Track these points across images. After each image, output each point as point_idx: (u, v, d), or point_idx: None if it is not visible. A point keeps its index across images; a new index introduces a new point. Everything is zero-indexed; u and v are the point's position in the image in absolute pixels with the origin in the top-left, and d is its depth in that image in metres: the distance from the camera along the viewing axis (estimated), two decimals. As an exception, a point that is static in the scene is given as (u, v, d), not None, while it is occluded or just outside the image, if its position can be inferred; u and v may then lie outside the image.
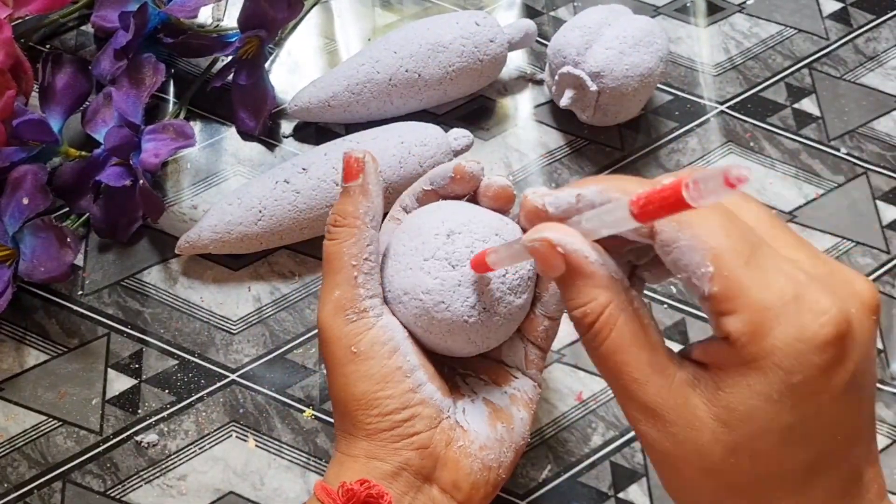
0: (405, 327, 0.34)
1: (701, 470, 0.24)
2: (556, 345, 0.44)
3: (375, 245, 0.34)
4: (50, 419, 0.42)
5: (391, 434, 0.32)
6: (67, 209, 0.47)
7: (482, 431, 0.34)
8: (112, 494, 0.40)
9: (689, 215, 0.23)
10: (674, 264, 0.24)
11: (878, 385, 0.44)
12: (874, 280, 0.47)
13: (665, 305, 0.46)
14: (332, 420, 0.42)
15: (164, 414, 0.42)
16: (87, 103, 0.47)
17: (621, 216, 0.23)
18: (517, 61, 0.52)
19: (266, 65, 0.51)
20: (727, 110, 0.52)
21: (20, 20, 0.49)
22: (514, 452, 0.34)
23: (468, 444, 0.33)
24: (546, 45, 0.51)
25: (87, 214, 0.46)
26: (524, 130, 0.50)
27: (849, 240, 0.48)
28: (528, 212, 0.28)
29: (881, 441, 0.43)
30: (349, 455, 0.33)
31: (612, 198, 0.25)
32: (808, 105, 0.52)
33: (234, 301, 0.45)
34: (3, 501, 0.40)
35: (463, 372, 0.37)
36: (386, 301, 0.34)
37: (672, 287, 0.46)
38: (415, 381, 0.33)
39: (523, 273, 0.34)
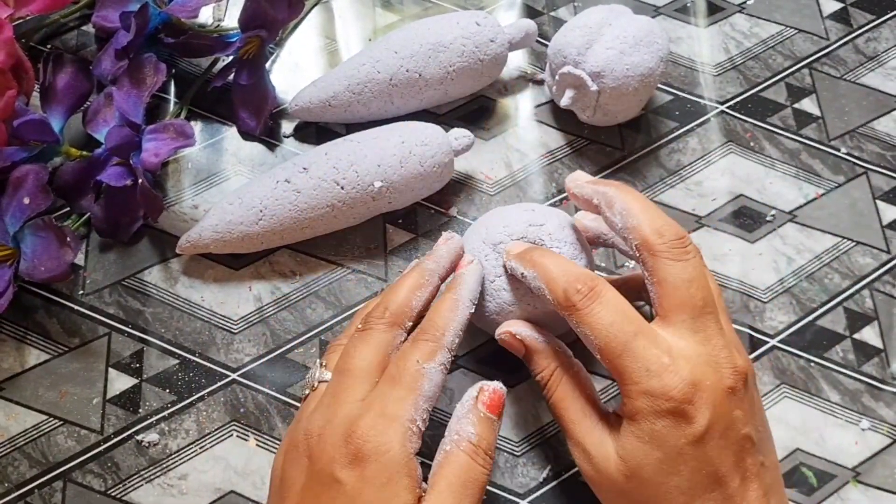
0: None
1: (613, 492, 0.34)
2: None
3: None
4: (51, 418, 0.42)
5: None
6: (68, 209, 0.47)
7: None
8: (113, 494, 0.40)
9: (583, 313, 0.33)
10: (585, 343, 0.34)
11: (878, 385, 0.44)
12: (875, 280, 0.47)
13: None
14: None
15: (165, 413, 0.42)
16: (88, 103, 0.47)
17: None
18: (517, 61, 0.52)
19: (267, 65, 0.51)
20: (727, 110, 0.52)
21: (21, 20, 0.49)
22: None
23: None
24: (546, 45, 0.51)
25: (88, 214, 0.46)
26: (525, 130, 0.50)
27: (849, 239, 0.48)
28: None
29: (881, 441, 0.43)
30: None
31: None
32: (808, 105, 0.52)
33: (235, 300, 0.45)
34: (4, 501, 0.40)
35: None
36: (484, 323, 0.40)
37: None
38: None
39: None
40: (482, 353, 0.44)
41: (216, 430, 0.42)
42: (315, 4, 0.54)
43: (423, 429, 0.32)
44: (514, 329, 0.37)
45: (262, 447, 0.42)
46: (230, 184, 0.48)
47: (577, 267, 0.35)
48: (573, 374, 0.36)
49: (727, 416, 0.32)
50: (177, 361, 0.43)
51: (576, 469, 0.41)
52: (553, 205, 0.48)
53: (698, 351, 0.32)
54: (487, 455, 0.32)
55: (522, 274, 0.36)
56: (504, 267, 0.38)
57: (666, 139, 0.50)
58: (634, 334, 0.32)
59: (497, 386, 0.34)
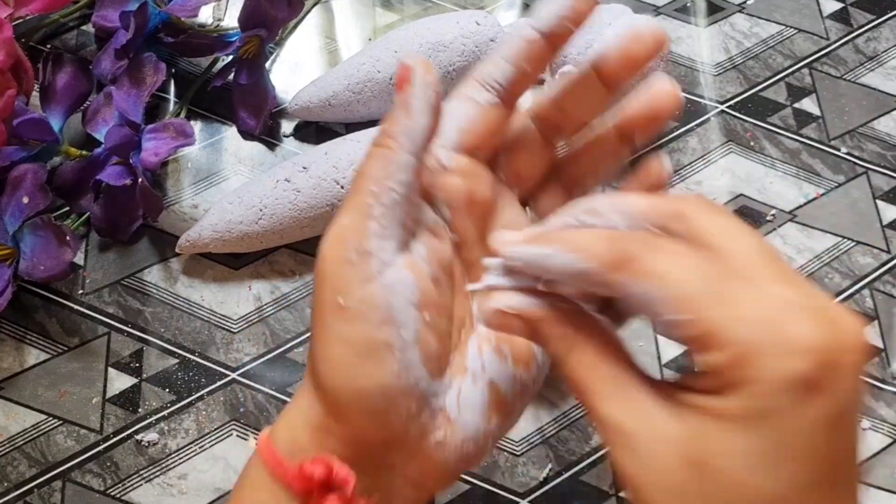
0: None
1: (662, 489, 0.24)
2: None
3: (408, 175, 0.27)
4: (50, 418, 0.42)
5: (358, 419, 0.27)
6: (68, 208, 0.47)
7: (471, 422, 0.29)
8: (112, 493, 0.40)
9: (644, 263, 0.23)
10: (645, 311, 0.24)
11: (879, 384, 0.44)
12: (875, 279, 0.47)
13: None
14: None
15: (165, 413, 0.42)
16: (88, 103, 0.47)
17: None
18: (517, 61, 0.52)
19: (266, 64, 0.51)
20: (727, 110, 0.52)
21: (21, 20, 0.49)
22: (495, 441, 0.30)
23: (448, 437, 0.28)
24: (546, 45, 0.51)
25: (88, 214, 0.46)
26: (524, 130, 0.50)
27: (849, 239, 0.48)
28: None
29: (882, 441, 0.43)
30: (308, 419, 0.28)
31: (567, 261, 0.25)
32: (808, 105, 0.52)
33: (235, 300, 0.45)
34: (3, 500, 0.40)
35: (484, 338, 0.30)
36: None
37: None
38: (402, 365, 0.27)
39: None
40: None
41: (216, 429, 0.42)
42: (315, 4, 0.54)
43: (373, 204, 0.27)
44: (505, 303, 0.26)
45: (261, 447, 0.42)
46: (230, 183, 0.48)
47: (614, 230, 0.25)
48: (601, 336, 0.26)
49: (859, 398, 0.23)
50: (176, 361, 0.43)
51: (577, 468, 0.41)
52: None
53: (810, 303, 0.22)
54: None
55: (532, 258, 0.25)
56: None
57: (666, 139, 0.50)
58: (726, 276, 0.23)
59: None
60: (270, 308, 0.45)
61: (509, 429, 0.30)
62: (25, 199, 0.42)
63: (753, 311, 0.22)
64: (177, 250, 0.45)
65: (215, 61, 0.51)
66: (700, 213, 0.24)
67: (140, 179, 0.42)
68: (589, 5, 0.28)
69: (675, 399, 0.24)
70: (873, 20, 0.56)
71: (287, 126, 0.50)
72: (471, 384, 0.29)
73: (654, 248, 0.23)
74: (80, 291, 0.45)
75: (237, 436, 0.42)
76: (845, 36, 0.55)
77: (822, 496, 0.22)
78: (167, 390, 0.43)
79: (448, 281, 0.30)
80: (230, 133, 0.50)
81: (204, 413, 0.42)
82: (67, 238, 0.41)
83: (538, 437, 0.42)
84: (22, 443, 0.41)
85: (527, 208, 0.33)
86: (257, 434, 0.42)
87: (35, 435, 0.42)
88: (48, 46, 0.52)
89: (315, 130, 0.50)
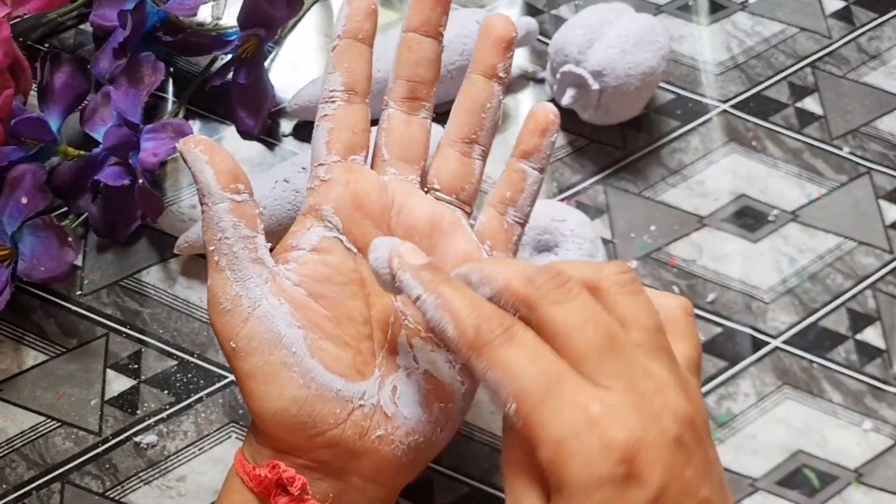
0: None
1: None
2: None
3: (227, 220, 0.31)
4: (48, 420, 0.42)
5: (286, 434, 0.30)
6: (66, 209, 0.46)
7: (413, 415, 0.31)
8: (111, 496, 0.40)
9: (496, 353, 0.25)
10: (493, 397, 0.26)
11: (881, 385, 0.44)
12: (878, 280, 0.47)
13: (667, 305, 0.45)
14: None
15: (164, 415, 0.42)
16: (86, 102, 0.46)
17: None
18: (518, 60, 0.52)
19: (265, 63, 0.50)
20: (729, 109, 0.51)
21: (18, 19, 0.49)
22: (450, 430, 0.32)
23: (391, 432, 0.31)
24: (547, 44, 0.51)
25: (86, 214, 0.46)
26: (525, 129, 0.50)
27: (852, 239, 0.48)
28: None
29: (884, 442, 0.43)
30: (258, 442, 0.32)
31: (442, 320, 0.27)
32: (810, 104, 0.52)
33: (234, 301, 0.45)
34: (1, 503, 0.40)
35: (413, 330, 0.32)
36: None
37: (674, 288, 0.46)
38: (304, 376, 0.30)
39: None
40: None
41: (215, 431, 0.42)
42: (314, 2, 0.54)
43: (218, 259, 0.31)
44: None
45: (261, 449, 0.42)
46: (229, 183, 0.48)
47: (488, 303, 0.27)
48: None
49: (680, 478, 0.25)
50: (175, 362, 0.43)
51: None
52: (554, 204, 0.48)
53: (626, 400, 0.25)
54: None
55: (419, 297, 0.27)
56: (523, 259, 0.35)
57: (667, 138, 0.50)
58: (559, 377, 0.25)
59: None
60: (270, 309, 0.45)
61: (462, 412, 0.32)
62: (24, 200, 0.41)
63: (572, 414, 0.24)
64: (175, 251, 0.44)
65: (214, 60, 0.51)
66: (552, 299, 0.26)
67: (140, 181, 0.42)
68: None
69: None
70: (876, 19, 0.55)
71: (286, 126, 0.50)
72: (404, 378, 0.31)
73: (510, 337, 0.25)
74: (79, 292, 0.45)
75: (236, 438, 0.42)
76: (848, 35, 0.55)
77: None
78: (166, 392, 0.42)
79: (348, 289, 0.32)
80: (229, 133, 0.49)
81: (203, 415, 0.42)
82: (69, 239, 0.41)
83: (539, 438, 0.42)
84: (20, 445, 0.41)
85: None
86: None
87: (33, 437, 0.41)
88: (46, 45, 0.52)
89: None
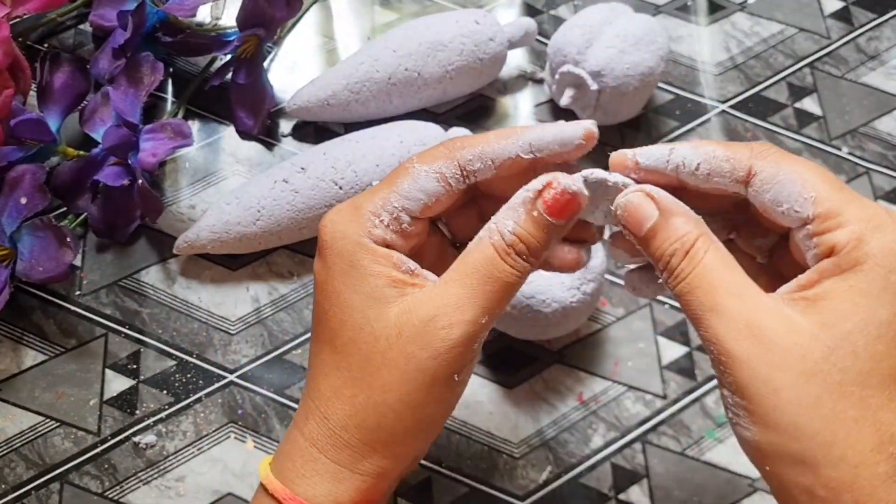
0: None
1: (801, 374, 0.24)
2: (556, 345, 0.44)
3: None
4: (47, 420, 0.42)
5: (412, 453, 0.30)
6: (65, 209, 0.46)
7: None
8: (110, 495, 0.40)
9: (782, 157, 0.27)
10: (773, 200, 0.27)
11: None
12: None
13: (666, 305, 0.45)
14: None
15: (163, 415, 0.42)
16: (85, 102, 0.46)
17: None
18: (517, 60, 0.52)
19: (265, 64, 0.50)
20: (728, 109, 0.51)
21: (18, 19, 0.49)
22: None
23: None
24: (546, 44, 0.51)
25: (85, 214, 0.46)
26: (524, 130, 0.50)
27: (850, 240, 0.48)
28: (618, 163, 0.30)
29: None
30: (345, 467, 0.28)
31: (708, 153, 0.28)
32: (809, 104, 0.52)
33: (233, 301, 0.45)
34: (1, 502, 0.40)
35: None
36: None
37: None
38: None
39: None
40: (481, 353, 0.44)
41: (214, 431, 0.42)
42: (313, 3, 0.54)
43: (391, 227, 0.29)
44: (647, 188, 0.29)
45: (259, 449, 0.42)
46: (228, 184, 0.48)
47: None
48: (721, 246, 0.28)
49: None
50: (174, 362, 0.43)
51: (576, 470, 0.41)
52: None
53: None
54: (522, 257, 0.28)
55: (671, 154, 0.28)
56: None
57: (666, 138, 0.50)
58: (841, 185, 0.27)
59: (569, 185, 0.28)
60: (268, 309, 0.45)
61: None
62: (23, 200, 0.41)
63: (867, 205, 0.26)
64: (174, 251, 0.44)
65: (213, 61, 0.51)
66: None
67: (140, 181, 0.42)
68: (587, 146, 0.30)
69: (797, 298, 0.26)
70: (874, 19, 0.55)
71: (285, 126, 0.50)
72: None
73: (782, 153, 0.27)
74: (78, 292, 0.45)
75: (235, 438, 0.42)
76: (846, 35, 0.55)
77: None
78: (165, 392, 0.42)
79: None
80: (228, 133, 0.49)
81: (202, 415, 0.42)
82: (67, 239, 0.41)
83: (537, 439, 0.42)
84: (19, 444, 0.41)
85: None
86: (256, 436, 0.42)
87: (32, 437, 0.41)
88: (45, 45, 0.52)
89: (313, 130, 0.50)
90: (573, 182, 0.28)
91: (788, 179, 0.27)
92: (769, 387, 0.25)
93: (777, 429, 0.25)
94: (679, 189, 0.29)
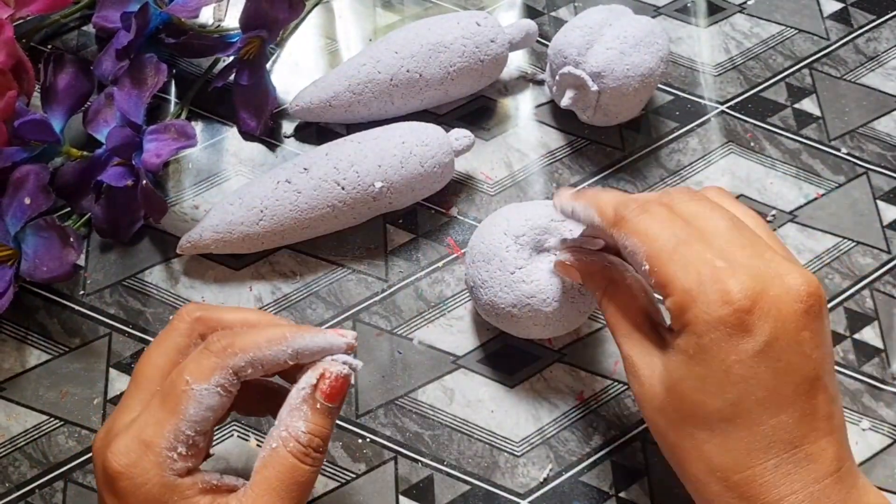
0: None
1: (655, 409, 0.31)
2: (557, 344, 0.44)
3: None
4: (51, 419, 0.42)
5: None
6: (69, 209, 0.47)
7: None
8: (114, 494, 0.40)
9: (633, 224, 0.32)
10: (632, 262, 0.32)
11: (879, 385, 0.44)
12: (875, 280, 0.47)
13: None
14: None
15: (166, 413, 0.42)
16: (89, 103, 0.47)
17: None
18: (518, 61, 0.52)
19: (267, 65, 0.51)
20: (728, 110, 0.52)
21: (22, 20, 0.49)
22: None
23: None
24: (547, 46, 0.51)
25: (89, 214, 0.46)
26: (525, 130, 0.50)
27: (849, 240, 0.48)
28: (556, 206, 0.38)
29: (882, 441, 0.43)
30: None
31: (588, 217, 0.35)
32: (808, 105, 0.52)
33: (236, 301, 0.45)
34: (5, 501, 0.40)
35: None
36: (496, 317, 0.40)
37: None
38: None
39: None
40: (482, 352, 0.44)
41: (217, 430, 0.42)
42: (316, 4, 0.54)
43: (189, 453, 0.30)
44: (564, 257, 0.37)
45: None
46: (231, 184, 0.48)
47: (624, 194, 0.34)
48: (625, 289, 0.34)
49: (793, 336, 0.28)
50: (177, 361, 0.43)
51: (577, 469, 0.41)
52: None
53: (751, 262, 0.29)
54: (318, 452, 0.30)
55: (573, 210, 0.36)
56: (523, 259, 0.39)
57: (666, 139, 0.50)
58: (687, 239, 0.30)
59: (339, 371, 0.31)
60: (271, 308, 0.45)
61: None
62: (27, 201, 0.42)
63: (701, 268, 0.29)
64: (178, 251, 0.45)
65: (216, 62, 0.51)
66: (679, 199, 0.32)
67: (143, 182, 0.42)
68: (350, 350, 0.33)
69: (665, 340, 0.32)
70: (873, 20, 0.56)
71: (288, 127, 0.50)
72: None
73: (643, 211, 0.32)
74: (82, 292, 0.45)
75: (238, 436, 0.42)
76: (845, 36, 0.55)
77: (768, 411, 0.28)
78: (168, 391, 0.43)
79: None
80: (231, 134, 0.50)
81: (205, 413, 0.42)
82: (71, 239, 0.41)
83: (538, 437, 0.42)
84: (23, 443, 0.42)
85: None
86: (259, 435, 0.42)
87: (36, 435, 0.42)
88: (49, 47, 0.52)
89: (316, 131, 0.50)
90: (340, 367, 0.31)
91: (631, 252, 0.32)
92: (644, 412, 0.32)
93: (660, 446, 0.33)
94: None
